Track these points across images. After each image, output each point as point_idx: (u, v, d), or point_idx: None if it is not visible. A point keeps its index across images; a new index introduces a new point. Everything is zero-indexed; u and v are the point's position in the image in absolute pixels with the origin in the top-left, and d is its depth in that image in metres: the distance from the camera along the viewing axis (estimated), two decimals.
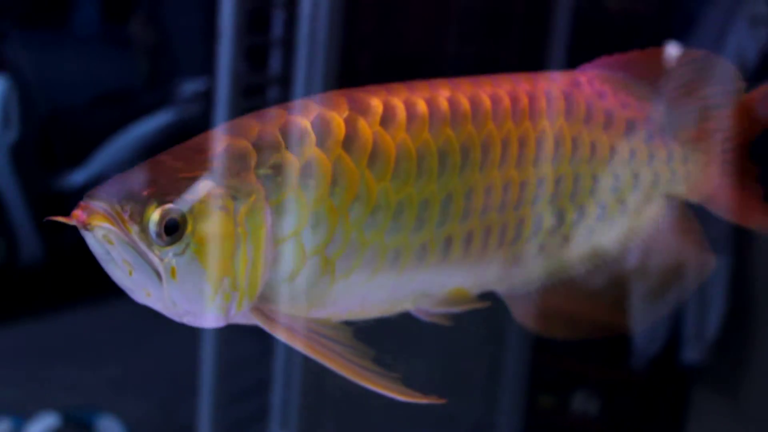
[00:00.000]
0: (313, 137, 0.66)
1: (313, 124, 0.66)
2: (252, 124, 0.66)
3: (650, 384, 2.44)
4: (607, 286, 0.80)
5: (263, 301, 0.65)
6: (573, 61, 2.25)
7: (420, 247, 0.70)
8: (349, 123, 0.67)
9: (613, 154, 0.78)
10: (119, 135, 3.73)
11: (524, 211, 0.75)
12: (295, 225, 0.65)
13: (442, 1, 2.36)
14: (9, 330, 3.28)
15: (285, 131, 0.66)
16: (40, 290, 3.37)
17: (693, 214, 0.82)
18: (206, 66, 2.20)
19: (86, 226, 0.60)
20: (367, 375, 0.65)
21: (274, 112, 0.68)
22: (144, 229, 0.60)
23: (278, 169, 0.64)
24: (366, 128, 0.68)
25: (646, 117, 0.79)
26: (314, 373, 1.98)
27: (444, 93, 0.71)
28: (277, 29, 2.17)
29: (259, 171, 0.64)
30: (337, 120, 0.67)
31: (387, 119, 0.69)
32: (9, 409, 2.60)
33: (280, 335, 0.65)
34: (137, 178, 0.62)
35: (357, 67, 2.46)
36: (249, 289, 0.64)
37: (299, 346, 0.65)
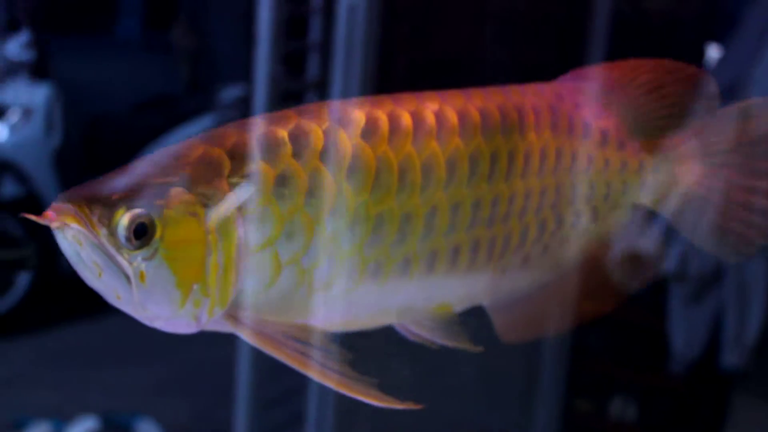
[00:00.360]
0: (289, 148, 0.66)
1: (290, 134, 0.66)
2: (230, 133, 0.66)
3: (689, 389, 2.42)
4: (571, 289, 0.81)
5: (237, 309, 0.65)
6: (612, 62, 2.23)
7: (403, 261, 0.69)
8: (329, 135, 0.67)
9: (590, 164, 0.78)
10: (160, 140, 3.76)
11: (512, 224, 0.74)
12: (270, 235, 0.65)
13: (478, 4, 2.35)
14: (50, 334, 3.31)
15: (261, 141, 0.65)
16: (81, 295, 3.40)
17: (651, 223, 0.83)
18: (245, 72, 2.21)
19: (57, 226, 0.60)
20: (343, 380, 0.65)
21: (254, 123, 0.67)
22: (112, 233, 0.61)
23: (251, 179, 0.65)
24: (345, 140, 0.67)
25: (617, 126, 0.79)
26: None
27: (431, 106, 0.70)
28: (315, 34, 2.18)
29: (231, 179, 0.64)
30: (316, 131, 0.67)
31: (368, 132, 0.68)
32: (49, 413, 2.62)
33: (253, 341, 0.65)
34: (110, 182, 0.62)
35: (394, 71, 2.46)
36: (220, 296, 0.64)
37: (272, 352, 0.65)
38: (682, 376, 2.29)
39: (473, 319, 0.76)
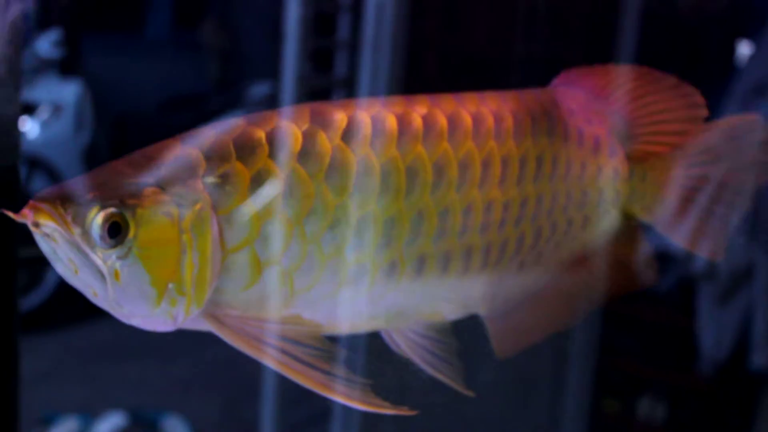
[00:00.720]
0: (265, 148, 0.66)
1: (268, 135, 0.66)
2: (207, 134, 0.66)
3: (718, 390, 2.40)
4: (560, 295, 0.80)
5: (216, 308, 0.65)
6: (641, 61, 2.22)
7: (389, 265, 0.69)
8: (307, 136, 0.67)
9: (584, 171, 0.78)
10: None
11: (509, 232, 0.74)
12: (247, 235, 0.65)
13: (507, 1, 2.34)
14: (78, 330, 3.32)
15: (237, 142, 0.65)
16: None
17: (641, 231, 0.83)
18: (273, 69, 2.21)
19: (32, 225, 0.61)
20: (326, 382, 0.64)
21: (232, 123, 0.68)
22: (86, 231, 0.61)
23: (226, 179, 0.65)
24: (325, 142, 0.67)
25: (608, 133, 0.79)
26: (376, 376, 1.98)
27: (420, 110, 0.70)
28: (343, 32, 2.18)
29: (206, 179, 0.64)
30: (295, 132, 0.67)
31: (349, 134, 0.68)
32: (77, 408, 2.63)
33: (231, 341, 0.65)
34: (86, 181, 0.63)
35: (422, 69, 2.45)
36: (196, 295, 0.64)
37: (250, 351, 0.65)
38: (711, 376, 2.27)
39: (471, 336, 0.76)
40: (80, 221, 0.61)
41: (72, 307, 3.42)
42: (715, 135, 0.81)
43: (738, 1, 2.35)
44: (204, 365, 3.11)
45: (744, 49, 2.26)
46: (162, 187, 0.63)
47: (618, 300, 2.45)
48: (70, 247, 0.62)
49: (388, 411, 0.66)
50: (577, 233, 0.79)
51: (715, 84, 2.26)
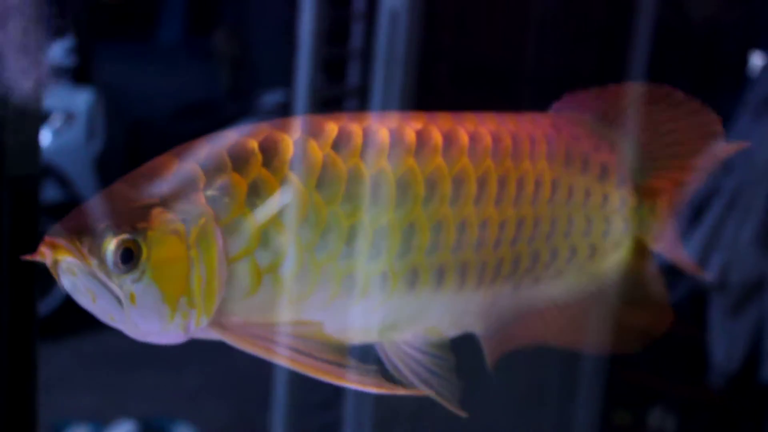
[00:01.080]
0: (259, 157, 0.66)
1: (260, 144, 0.67)
2: (200, 146, 0.67)
3: (729, 402, 2.40)
4: (566, 324, 0.80)
5: (222, 316, 0.67)
6: (654, 71, 2.22)
7: (380, 276, 0.69)
8: (299, 144, 0.68)
9: (588, 198, 0.77)
10: None
11: (503, 252, 0.74)
12: (247, 244, 0.66)
13: (520, 12, 2.35)
14: (88, 338, 3.33)
15: (232, 152, 0.66)
16: None
17: (657, 265, 0.82)
18: (286, 78, 2.22)
19: (52, 262, 0.63)
20: (339, 372, 0.65)
21: (224, 135, 0.68)
22: (102, 261, 0.63)
23: (225, 190, 0.66)
24: (316, 150, 0.68)
25: (617, 161, 0.78)
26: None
27: (415, 125, 0.71)
28: (356, 41, 2.18)
29: (207, 192, 0.65)
30: (286, 141, 0.67)
31: (340, 143, 0.68)
32: (88, 416, 2.64)
33: (239, 345, 0.66)
34: (94, 210, 0.64)
35: (435, 78, 2.45)
36: (206, 306, 0.65)
37: (258, 352, 0.66)
38: (722, 388, 2.27)
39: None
40: (96, 252, 0.62)
41: (83, 315, 3.42)
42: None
43: (751, 12, 2.35)
44: (214, 374, 3.11)
45: (756, 60, 2.26)
46: (167, 205, 0.64)
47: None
48: (88, 278, 0.63)
49: (402, 392, 0.67)
50: (584, 262, 0.79)
51: (728, 95, 2.26)
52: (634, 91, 0.79)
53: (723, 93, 2.52)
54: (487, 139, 0.73)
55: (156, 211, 0.64)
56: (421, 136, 0.71)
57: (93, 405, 2.87)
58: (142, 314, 0.64)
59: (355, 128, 0.69)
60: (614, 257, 0.80)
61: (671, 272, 2.34)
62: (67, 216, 0.64)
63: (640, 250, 0.80)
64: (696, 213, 2.15)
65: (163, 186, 0.65)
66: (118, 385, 3.07)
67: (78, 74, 3.77)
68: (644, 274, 0.81)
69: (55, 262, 0.63)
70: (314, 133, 0.69)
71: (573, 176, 0.76)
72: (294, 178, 0.67)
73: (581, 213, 0.77)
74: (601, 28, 2.36)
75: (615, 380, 2.46)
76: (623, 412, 2.59)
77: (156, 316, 0.64)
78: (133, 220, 0.63)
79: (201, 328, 0.66)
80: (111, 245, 0.62)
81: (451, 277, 0.72)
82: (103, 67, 4.09)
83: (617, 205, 0.78)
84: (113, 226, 0.63)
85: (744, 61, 2.31)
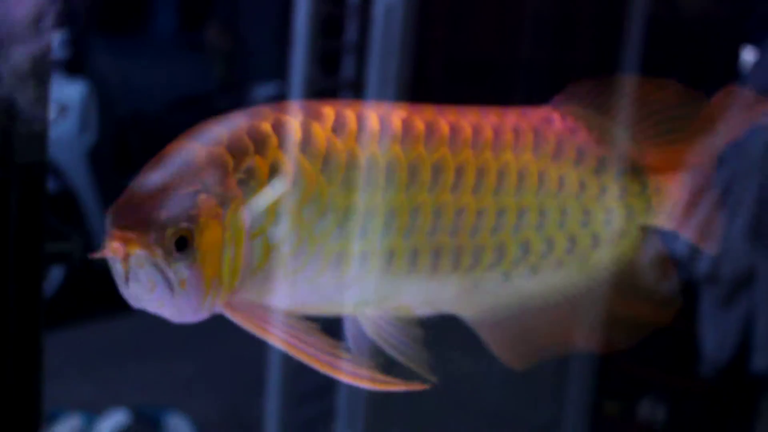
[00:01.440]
0: (275, 140, 0.69)
1: (273, 127, 0.69)
2: (220, 130, 0.69)
3: (718, 392, 2.41)
4: (572, 316, 0.81)
5: (232, 293, 0.69)
6: (647, 65, 2.23)
7: (360, 255, 0.72)
8: (305, 127, 0.70)
9: (583, 190, 0.78)
10: None
11: (483, 239, 0.75)
12: (263, 222, 0.69)
13: (513, 6, 2.36)
14: (82, 328, 3.33)
15: (251, 135, 0.69)
16: (114, 290, 3.42)
17: (666, 252, 0.82)
18: (280, 71, 2.22)
19: (124, 256, 0.65)
20: (334, 363, 0.67)
21: (233, 118, 0.71)
22: (167, 251, 0.65)
23: (252, 173, 0.68)
24: (320, 132, 0.70)
25: (617, 153, 0.79)
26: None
27: (400, 114, 0.73)
28: (350, 35, 2.19)
29: (237, 176, 0.68)
30: (294, 123, 0.70)
31: (338, 127, 0.71)
32: (81, 405, 2.64)
33: (242, 322, 0.69)
34: (145, 200, 0.66)
35: (429, 72, 2.46)
36: (230, 283, 0.68)
37: (259, 333, 0.68)
38: (712, 379, 2.28)
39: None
40: (161, 242, 0.65)
41: (76, 306, 3.43)
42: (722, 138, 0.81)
43: (742, 7, 2.36)
44: (207, 364, 3.12)
45: (748, 55, 2.27)
46: (208, 191, 0.67)
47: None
48: (153, 269, 0.65)
49: (397, 388, 0.69)
50: (587, 252, 0.79)
51: (719, 90, 2.27)
52: (625, 81, 0.80)
53: (714, 88, 2.53)
54: (467, 131, 0.74)
55: (202, 198, 0.66)
56: (405, 124, 0.73)
57: (86, 395, 2.87)
58: (187, 297, 0.66)
59: (349, 113, 0.72)
60: (621, 246, 0.80)
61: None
62: (120, 208, 0.66)
63: (648, 237, 0.81)
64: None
65: (198, 172, 0.67)
66: (111, 374, 3.08)
67: (71, 67, 3.77)
68: (652, 261, 0.82)
69: (127, 256, 0.64)
70: (315, 116, 0.71)
71: (564, 168, 0.77)
72: (305, 160, 0.69)
73: (576, 204, 0.78)
74: (594, 23, 2.38)
75: (606, 371, 2.48)
76: (614, 403, 2.61)
77: (198, 297, 0.67)
78: (186, 208, 0.65)
79: (217, 307, 0.69)
80: (172, 235, 0.65)
81: (425, 260, 0.74)
82: (96, 60, 4.08)
83: (617, 195, 0.79)
84: (172, 217, 0.65)
85: (736, 56, 2.32)
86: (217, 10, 4.81)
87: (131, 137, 4.09)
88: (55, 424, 2.56)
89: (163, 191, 0.66)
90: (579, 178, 0.78)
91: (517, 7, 2.33)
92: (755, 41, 2.18)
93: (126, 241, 0.64)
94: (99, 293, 3.54)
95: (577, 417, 2.43)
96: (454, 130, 0.74)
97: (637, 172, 0.80)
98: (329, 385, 2.11)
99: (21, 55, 0.77)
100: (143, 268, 0.65)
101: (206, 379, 3.08)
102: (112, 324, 3.41)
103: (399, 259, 0.73)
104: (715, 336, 2.21)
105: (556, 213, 0.78)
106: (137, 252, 0.64)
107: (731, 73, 2.33)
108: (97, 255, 0.65)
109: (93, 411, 2.59)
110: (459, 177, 0.74)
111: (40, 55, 0.76)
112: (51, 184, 3.58)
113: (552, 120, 0.78)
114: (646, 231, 0.81)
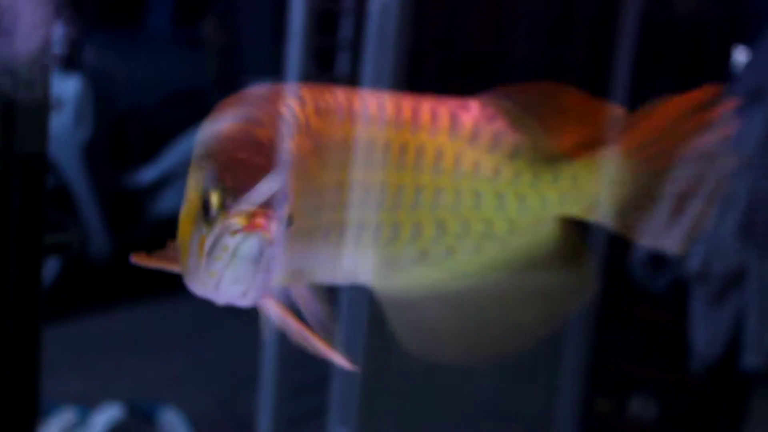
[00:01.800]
0: (303, 118, 0.71)
1: (287, 109, 0.72)
2: (261, 115, 0.71)
3: (709, 389, 2.43)
4: (486, 307, 0.81)
5: None
6: (639, 65, 2.24)
7: (295, 230, 0.71)
8: (307, 107, 0.73)
9: (497, 175, 0.79)
10: (188, 134, 3.78)
11: (401, 215, 0.77)
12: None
13: (508, 4, 2.37)
14: (77, 323, 3.34)
15: (290, 115, 0.71)
16: (109, 285, 3.43)
17: (584, 241, 0.83)
18: (275, 67, 2.23)
19: (266, 233, 0.64)
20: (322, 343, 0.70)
21: (252, 101, 0.73)
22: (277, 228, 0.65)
23: (296, 149, 0.70)
24: (303, 114, 0.72)
25: (533, 141, 0.79)
26: (374, 370, 2.00)
27: (350, 96, 0.76)
28: (346, 32, 2.20)
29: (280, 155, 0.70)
30: (297, 108, 0.72)
31: (322, 110, 0.73)
32: (75, 399, 2.64)
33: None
34: (259, 178, 0.65)
35: (424, 69, 2.47)
36: None
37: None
38: (703, 376, 2.30)
39: None
40: (275, 220, 0.64)
41: (70, 300, 3.43)
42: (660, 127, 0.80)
43: (735, 7, 2.37)
44: (202, 359, 3.13)
45: (740, 54, 2.28)
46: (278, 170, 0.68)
47: (612, 299, 2.47)
48: (271, 248, 0.65)
49: (341, 362, 0.72)
50: (504, 238, 0.80)
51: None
52: (553, 89, 0.80)
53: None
54: (391, 110, 0.76)
55: (280, 177, 0.67)
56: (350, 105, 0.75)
57: (80, 389, 2.87)
58: (266, 274, 0.66)
59: (315, 95, 0.74)
60: (537, 234, 0.81)
61: (655, 263, 2.37)
62: (244, 182, 0.65)
63: (567, 223, 0.81)
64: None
65: (271, 155, 0.68)
66: (105, 369, 3.08)
67: (66, 61, 3.77)
68: (569, 247, 0.82)
69: (268, 233, 0.64)
70: (300, 101, 0.73)
71: (480, 152, 0.78)
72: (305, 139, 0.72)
73: (491, 188, 0.78)
74: (588, 21, 2.39)
75: (597, 368, 2.49)
76: (605, 400, 2.62)
77: (270, 274, 0.67)
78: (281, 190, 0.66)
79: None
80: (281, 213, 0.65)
81: (352, 234, 0.75)
82: (91, 55, 4.08)
83: (531, 182, 0.79)
84: (283, 195, 0.65)
85: (728, 55, 2.34)
86: (212, 6, 4.81)
87: (126, 132, 4.09)
88: (49, 417, 2.57)
89: (263, 171, 0.66)
90: (494, 163, 0.78)
91: (512, 4, 2.34)
92: (747, 41, 2.20)
93: (269, 219, 0.63)
94: (93, 289, 3.53)
95: (569, 413, 2.44)
96: (381, 108, 0.76)
97: (552, 161, 0.80)
98: (323, 380, 2.12)
99: (23, 48, 0.78)
100: (268, 246, 0.64)
101: (200, 374, 3.09)
102: (107, 319, 3.42)
103: (334, 232, 0.75)
104: (706, 333, 2.22)
105: (471, 195, 0.78)
106: (274, 230, 0.64)
107: (723, 72, 2.34)
108: (230, 227, 0.64)
109: (87, 405, 2.60)
110: (385, 154, 0.75)
111: (41, 48, 0.77)
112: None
113: (470, 107, 0.79)
114: (566, 221, 0.81)
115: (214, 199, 0.64)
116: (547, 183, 0.80)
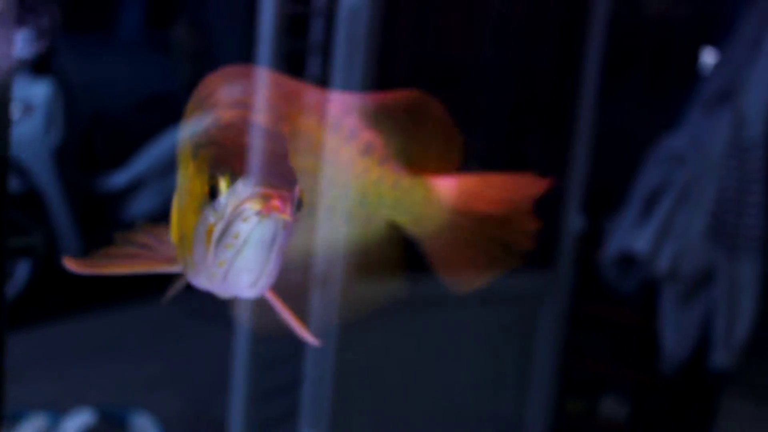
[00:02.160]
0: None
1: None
2: (292, 102, 0.76)
3: (679, 389, 2.44)
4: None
5: None
6: (608, 66, 2.24)
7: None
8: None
9: (348, 166, 0.81)
10: (159, 138, 3.77)
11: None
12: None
13: (478, 6, 2.38)
14: (47, 327, 3.32)
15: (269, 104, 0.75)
16: (80, 290, 3.42)
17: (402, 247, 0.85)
18: None
19: (284, 214, 0.63)
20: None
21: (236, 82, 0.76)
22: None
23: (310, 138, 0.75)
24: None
25: (380, 143, 0.81)
26: (345, 372, 2.00)
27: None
28: (316, 34, 2.20)
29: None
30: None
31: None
32: (46, 405, 2.63)
33: None
34: (283, 164, 0.67)
35: (394, 71, 2.48)
36: None
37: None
38: (672, 375, 2.31)
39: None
40: (294, 205, 0.64)
41: (41, 305, 3.42)
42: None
43: (703, 9, 2.39)
44: (173, 363, 3.12)
45: (708, 56, 2.30)
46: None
47: (583, 301, 2.48)
48: (281, 228, 0.64)
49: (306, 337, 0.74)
50: (338, 228, 0.82)
51: (679, 91, 2.29)
52: (404, 93, 0.83)
53: (675, 88, 2.56)
54: (286, 90, 0.80)
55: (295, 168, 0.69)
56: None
57: (51, 394, 2.86)
58: (279, 258, 0.66)
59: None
60: (370, 230, 0.83)
61: (625, 264, 2.38)
62: (265, 169, 0.65)
63: (392, 230, 0.83)
64: (648, 205, 2.19)
65: (286, 144, 0.70)
66: (76, 374, 3.07)
67: (37, 66, 3.75)
68: (386, 252, 0.84)
69: (284, 214, 0.63)
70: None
71: (337, 142, 0.80)
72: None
73: (340, 178, 0.80)
74: (557, 23, 2.39)
75: (568, 369, 2.50)
76: (577, 401, 2.63)
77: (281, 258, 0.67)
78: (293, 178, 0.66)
79: None
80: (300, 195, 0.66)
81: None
82: (62, 59, 4.06)
83: (374, 180, 0.81)
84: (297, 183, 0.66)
85: (696, 57, 2.35)
86: (184, 10, 4.81)
87: (97, 136, 4.08)
88: (20, 423, 2.55)
89: (286, 162, 0.68)
90: (348, 154, 0.80)
91: (482, 7, 2.34)
92: (715, 43, 2.21)
93: (284, 201, 0.63)
94: (62, 293, 3.51)
95: (540, 414, 2.45)
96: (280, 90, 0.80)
97: (399, 169, 0.82)
98: (294, 383, 2.12)
99: None
100: (282, 229, 0.64)
101: (171, 377, 3.08)
102: (77, 324, 3.41)
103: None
104: (675, 333, 2.24)
105: (322, 181, 0.80)
106: (290, 212, 0.63)
107: (691, 73, 2.36)
108: (267, 204, 0.63)
109: (58, 410, 2.59)
110: (299, 141, 0.78)
111: (3, 52, 0.77)
112: (16, 183, 3.57)
113: (332, 100, 0.81)
114: (394, 230, 0.83)
115: (223, 185, 0.64)
116: (387, 186, 0.82)
